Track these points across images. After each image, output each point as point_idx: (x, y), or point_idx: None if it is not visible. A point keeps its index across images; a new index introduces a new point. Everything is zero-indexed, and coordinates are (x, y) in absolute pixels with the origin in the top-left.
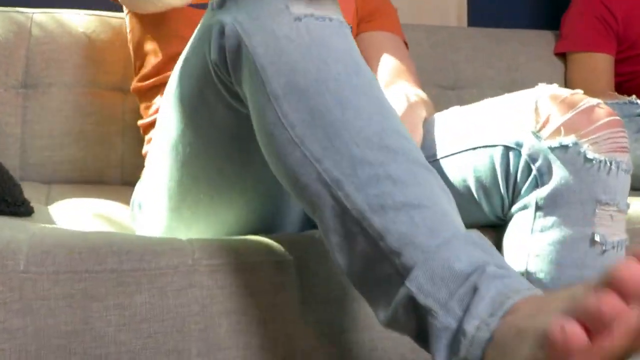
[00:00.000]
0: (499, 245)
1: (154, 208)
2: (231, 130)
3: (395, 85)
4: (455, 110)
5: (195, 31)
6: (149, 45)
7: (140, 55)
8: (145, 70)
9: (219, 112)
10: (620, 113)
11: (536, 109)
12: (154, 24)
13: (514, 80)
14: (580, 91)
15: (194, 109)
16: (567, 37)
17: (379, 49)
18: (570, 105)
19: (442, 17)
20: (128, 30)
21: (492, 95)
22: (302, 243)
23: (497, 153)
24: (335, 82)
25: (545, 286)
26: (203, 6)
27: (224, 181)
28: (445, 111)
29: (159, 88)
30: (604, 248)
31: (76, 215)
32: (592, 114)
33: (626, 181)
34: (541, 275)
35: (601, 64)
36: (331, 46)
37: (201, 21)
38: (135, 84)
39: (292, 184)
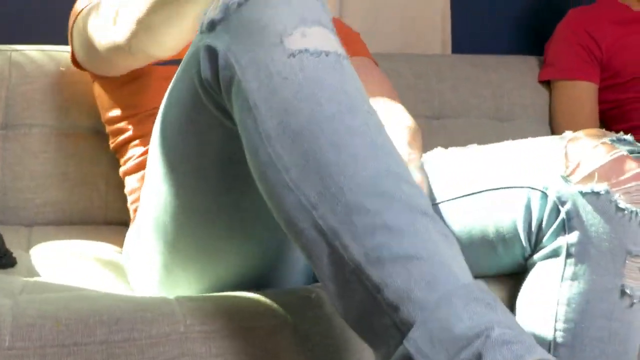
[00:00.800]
0: (515, 294)
1: (148, 245)
2: (227, 152)
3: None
4: (472, 150)
5: (184, 58)
6: (117, 111)
7: (111, 121)
8: (118, 128)
9: (212, 134)
10: None
11: (566, 153)
12: (120, 86)
13: (499, 109)
14: (607, 140)
15: (186, 135)
16: (551, 64)
17: None
18: (602, 153)
19: (426, 44)
20: (96, 96)
21: (478, 124)
22: (297, 305)
23: (522, 195)
24: (329, 123)
25: (575, 335)
26: (171, 62)
27: (220, 215)
28: (460, 149)
29: (133, 140)
30: (633, 301)
31: (59, 259)
32: (624, 164)
33: None
34: (571, 325)
35: (585, 92)
36: (325, 84)
37: (190, 48)
38: (111, 145)
39: (287, 227)
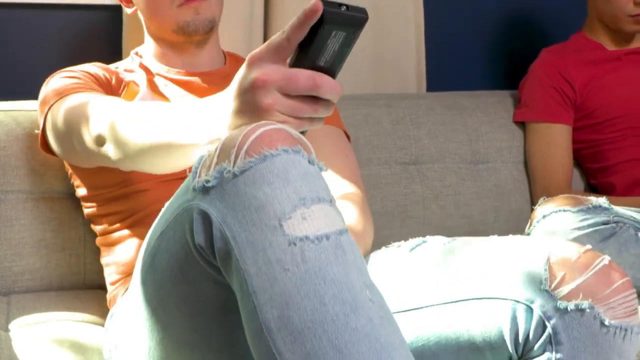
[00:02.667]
0: None
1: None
2: (220, 301)
3: None
4: (452, 248)
5: (171, 206)
6: (84, 190)
7: (82, 198)
8: (87, 204)
9: (204, 286)
10: (584, 223)
11: (549, 267)
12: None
13: (475, 152)
14: (589, 246)
15: (175, 282)
16: (526, 105)
17: (320, 143)
18: (585, 265)
19: (402, 81)
20: (69, 174)
21: (454, 169)
22: None
23: (507, 307)
24: (332, 324)
25: None
26: None
27: (209, 350)
28: (446, 243)
29: (103, 216)
30: None
31: (41, 345)
32: (607, 277)
33: (637, 343)
34: None
35: (560, 134)
36: (327, 278)
37: (177, 197)
38: (84, 213)
39: None
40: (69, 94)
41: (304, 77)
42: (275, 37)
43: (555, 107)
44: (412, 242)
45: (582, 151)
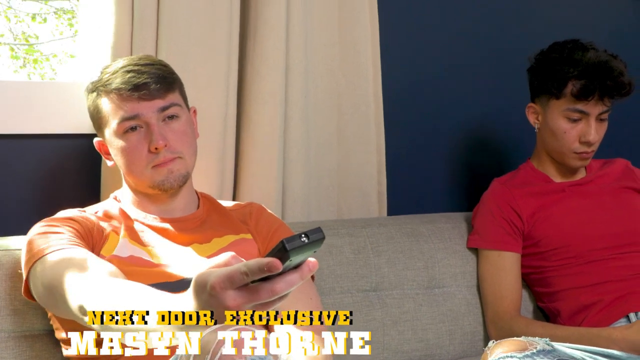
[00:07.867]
0: None
1: None
2: None
3: None
4: None
5: None
6: (63, 333)
7: (60, 340)
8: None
9: None
10: None
11: None
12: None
13: (432, 278)
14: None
15: None
16: (478, 233)
17: None
18: None
19: (364, 203)
20: (48, 316)
21: (411, 295)
22: None
23: None
24: None
25: None
26: None
27: None
28: None
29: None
30: None
31: None
32: None
33: None
34: None
35: (509, 261)
36: None
37: None
38: (64, 352)
39: None
40: (53, 251)
41: (265, 291)
42: (236, 271)
43: (505, 237)
44: None
45: (531, 276)
